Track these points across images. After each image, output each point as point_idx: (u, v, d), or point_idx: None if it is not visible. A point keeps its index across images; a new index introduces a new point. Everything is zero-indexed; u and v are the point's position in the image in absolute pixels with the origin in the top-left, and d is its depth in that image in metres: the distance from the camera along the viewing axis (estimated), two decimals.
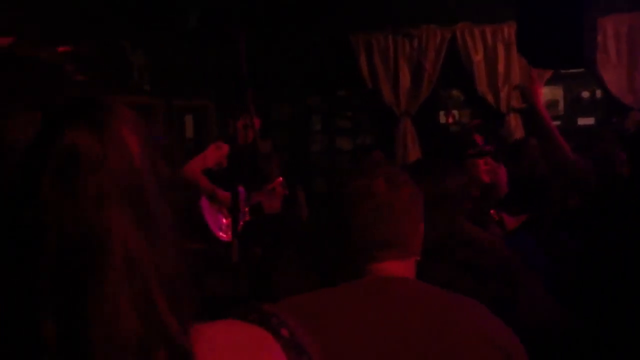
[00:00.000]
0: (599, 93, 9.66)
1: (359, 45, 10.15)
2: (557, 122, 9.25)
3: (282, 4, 9.54)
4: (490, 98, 9.70)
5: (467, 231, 3.03)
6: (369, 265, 1.97)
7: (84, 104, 0.81)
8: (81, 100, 0.82)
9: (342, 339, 1.75)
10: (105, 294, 0.77)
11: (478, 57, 9.74)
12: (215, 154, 6.81)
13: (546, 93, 9.65)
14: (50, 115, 0.79)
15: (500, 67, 9.65)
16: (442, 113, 10.28)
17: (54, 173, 0.77)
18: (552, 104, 9.69)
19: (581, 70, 8.61)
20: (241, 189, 6.45)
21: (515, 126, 9.55)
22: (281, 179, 7.00)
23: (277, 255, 7.10)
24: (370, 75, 10.13)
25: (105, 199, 0.78)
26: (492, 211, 4.22)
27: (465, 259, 2.82)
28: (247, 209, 6.65)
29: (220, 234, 6.74)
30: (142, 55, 9.05)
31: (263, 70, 9.20)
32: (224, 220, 6.79)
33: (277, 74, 10.06)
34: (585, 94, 9.77)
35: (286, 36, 10.01)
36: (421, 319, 1.83)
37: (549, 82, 9.35)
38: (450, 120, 10.21)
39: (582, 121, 9.71)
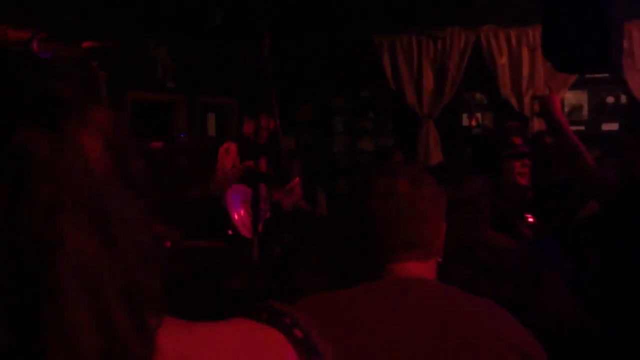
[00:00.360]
0: (623, 98, 9.60)
1: (382, 46, 10.14)
2: (581, 127, 9.22)
3: (307, 4, 9.54)
4: (513, 101, 9.66)
5: (486, 234, 3.01)
6: (390, 265, 1.96)
7: (44, 103, 0.77)
8: (43, 100, 0.77)
9: (358, 339, 1.74)
10: (58, 307, 0.74)
11: (502, 60, 9.70)
12: (227, 157, 6.84)
13: (570, 98, 9.64)
14: (9, 114, 0.75)
15: (525, 71, 9.60)
16: (464, 116, 10.23)
17: (1, 177, 0.73)
18: (576, 109, 9.66)
19: (606, 75, 8.56)
20: (263, 186, 6.47)
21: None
22: (298, 179, 7.02)
23: (296, 254, 7.12)
24: (393, 76, 10.11)
25: (56, 205, 0.74)
26: (527, 215, 4.18)
27: (484, 261, 2.80)
28: (268, 207, 6.65)
29: (243, 230, 6.74)
30: (166, 53, 9.07)
31: (287, 70, 9.21)
32: (247, 218, 6.80)
33: (300, 75, 10.06)
34: (610, 99, 9.71)
35: (310, 36, 10.01)
36: (440, 320, 1.82)
37: (573, 87, 9.32)
38: (474, 123, 10.17)
39: (607, 127, 9.65)
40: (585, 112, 9.77)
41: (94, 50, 5.33)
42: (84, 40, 5.28)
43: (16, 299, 0.73)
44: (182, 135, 8.91)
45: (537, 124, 9.49)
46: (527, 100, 9.59)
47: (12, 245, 0.73)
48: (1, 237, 0.73)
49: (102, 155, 0.78)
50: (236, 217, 6.71)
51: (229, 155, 6.84)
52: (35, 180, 0.73)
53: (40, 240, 0.73)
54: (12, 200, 0.73)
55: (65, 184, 0.74)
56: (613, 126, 9.63)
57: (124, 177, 0.81)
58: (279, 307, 1.02)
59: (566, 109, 9.39)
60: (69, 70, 0.81)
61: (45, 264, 0.73)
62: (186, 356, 0.90)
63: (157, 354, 0.85)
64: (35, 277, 0.73)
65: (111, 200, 0.78)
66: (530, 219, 4.18)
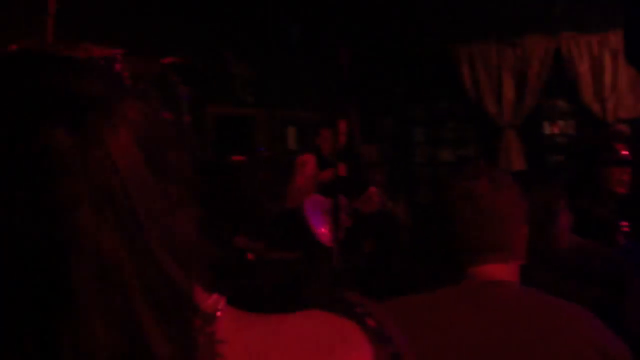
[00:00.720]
0: None
1: (460, 55, 10.06)
2: None
3: (384, 16, 9.53)
4: (595, 108, 9.49)
5: (571, 238, 2.96)
6: (472, 268, 1.94)
7: (68, 101, 0.77)
8: (67, 97, 0.77)
9: (435, 338, 1.73)
10: (73, 306, 0.73)
11: (583, 67, 9.55)
12: (304, 169, 6.85)
13: None
14: (33, 112, 0.76)
15: (607, 77, 9.43)
16: (546, 123, 10.10)
17: (25, 173, 0.74)
18: None
19: None
20: (342, 196, 6.52)
21: None
22: (374, 188, 7.01)
23: (377, 261, 7.12)
24: (473, 86, 10.03)
25: (75, 202, 0.74)
26: (623, 222, 4.08)
27: (569, 264, 2.75)
28: (347, 216, 6.68)
29: (323, 239, 6.76)
30: (246, 67, 9.14)
31: (366, 83, 9.21)
32: (327, 227, 6.82)
33: (379, 87, 10.05)
34: None
35: (388, 47, 9.99)
36: (523, 324, 1.79)
37: None
38: (556, 130, 10.03)
39: None
40: None
41: (175, 66, 5.40)
42: (165, 57, 5.35)
43: (31, 297, 0.73)
44: (262, 149, 8.96)
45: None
46: (609, 106, 9.41)
47: (29, 242, 0.73)
48: (19, 233, 0.73)
49: (130, 150, 0.78)
50: (316, 227, 6.73)
51: (305, 167, 6.84)
52: (55, 176, 0.74)
53: (57, 237, 0.73)
54: (32, 197, 0.73)
55: (86, 181, 0.74)
56: None
57: (158, 171, 0.80)
58: (352, 298, 1.00)
59: None
60: (96, 67, 0.82)
61: (60, 261, 0.73)
62: (256, 347, 0.89)
63: (225, 346, 0.86)
64: (53, 274, 0.73)
65: (140, 196, 0.77)
66: (626, 227, 4.08)
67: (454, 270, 1.98)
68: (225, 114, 8.98)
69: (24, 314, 0.73)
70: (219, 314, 0.89)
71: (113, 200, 0.75)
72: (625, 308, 2.65)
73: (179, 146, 0.86)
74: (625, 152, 4.11)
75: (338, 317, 0.96)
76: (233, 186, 8.25)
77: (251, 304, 0.92)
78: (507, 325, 1.79)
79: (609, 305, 2.54)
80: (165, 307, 0.78)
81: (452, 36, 9.94)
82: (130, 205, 0.76)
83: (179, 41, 7.31)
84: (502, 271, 1.95)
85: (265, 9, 8.79)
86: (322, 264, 6.28)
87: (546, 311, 1.85)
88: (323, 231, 6.73)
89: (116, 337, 0.74)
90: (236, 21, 8.70)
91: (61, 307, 0.73)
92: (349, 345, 0.93)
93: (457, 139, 10.65)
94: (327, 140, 6.86)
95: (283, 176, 6.96)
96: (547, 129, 10.12)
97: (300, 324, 0.94)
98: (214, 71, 8.40)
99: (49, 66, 0.81)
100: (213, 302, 0.90)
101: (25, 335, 0.73)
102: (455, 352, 1.74)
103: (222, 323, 0.88)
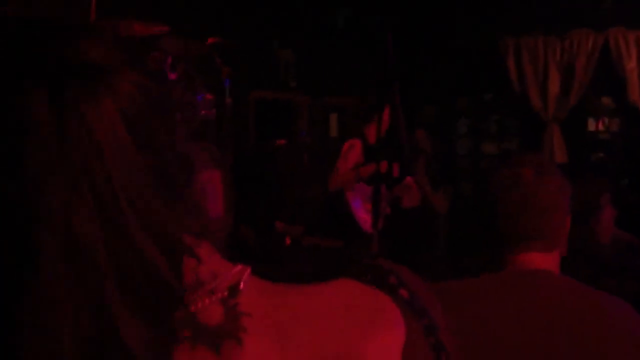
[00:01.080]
0: None
1: (507, 47, 9.97)
2: None
3: (431, 5, 9.48)
4: None
5: (613, 231, 2.94)
6: (514, 256, 1.93)
7: (49, 68, 0.73)
8: (55, 66, 0.73)
9: (473, 322, 1.71)
10: (41, 280, 0.70)
11: (631, 64, 9.41)
12: (351, 153, 6.83)
13: None
14: (9, 77, 0.72)
15: None
16: (591, 120, 9.99)
17: (1, 139, 0.70)
18: None
19: None
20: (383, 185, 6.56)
21: None
22: (410, 178, 7.01)
23: (412, 249, 7.15)
24: (518, 79, 9.93)
25: (49, 176, 0.70)
26: None
27: (608, 257, 2.73)
28: (387, 204, 6.70)
29: (363, 225, 6.79)
30: (290, 52, 9.14)
31: (410, 71, 9.18)
32: (367, 214, 6.85)
33: (424, 76, 10.00)
34: None
35: (434, 37, 9.93)
36: (564, 314, 1.78)
37: None
38: (600, 127, 9.93)
39: None
40: None
41: (218, 46, 5.39)
42: (209, 37, 5.34)
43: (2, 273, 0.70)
44: (303, 134, 8.96)
45: None
46: None
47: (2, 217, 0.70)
48: None
49: (113, 125, 0.73)
50: (357, 213, 6.75)
51: (352, 151, 6.83)
52: (28, 147, 0.70)
53: (27, 211, 0.70)
54: (2, 166, 0.70)
55: (61, 155, 0.71)
56: None
57: (147, 151, 0.75)
58: (386, 265, 0.96)
59: None
60: (98, 39, 0.77)
61: (28, 235, 0.70)
62: (282, 319, 0.86)
63: (249, 319, 0.83)
64: (17, 249, 0.70)
65: (120, 176, 0.72)
66: None
67: (493, 257, 1.97)
68: (267, 98, 8.99)
69: None
70: (242, 285, 0.86)
71: (90, 178, 0.71)
72: None
73: (177, 125, 0.82)
74: None
75: (370, 287, 0.92)
76: (273, 170, 8.28)
77: None
78: (548, 316, 1.77)
79: None
80: (140, 293, 0.74)
81: (500, 28, 9.86)
82: (108, 183, 0.72)
83: (223, 22, 7.32)
84: (544, 260, 1.94)
85: None
86: (361, 250, 6.31)
87: (588, 304, 1.83)
88: (363, 217, 6.76)
89: (83, 318, 0.71)
90: (282, 4, 8.70)
91: (26, 282, 0.70)
92: (380, 318, 0.90)
93: (500, 132, 10.57)
94: (373, 128, 6.86)
95: (324, 162, 6.96)
96: (591, 125, 10.01)
97: (329, 296, 0.90)
98: (258, 54, 8.40)
99: (33, 30, 0.77)
100: (237, 273, 0.87)
101: None
102: (494, 339, 1.72)
103: (248, 295, 0.85)
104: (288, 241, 5.70)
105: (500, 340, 1.71)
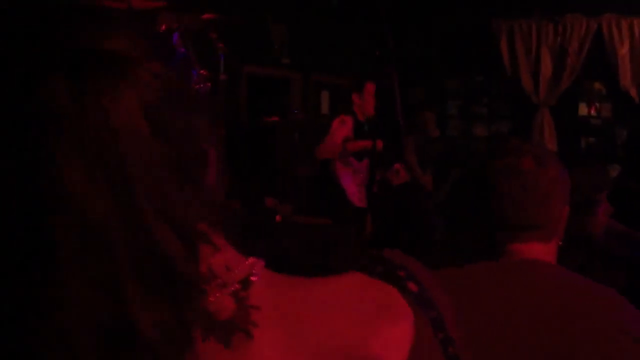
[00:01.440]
0: None
1: (500, 30, 9.97)
2: None
3: None
4: (633, 92, 9.38)
5: (608, 221, 2.95)
6: (510, 245, 1.92)
7: (76, 56, 0.73)
8: (76, 52, 0.73)
9: (477, 310, 1.72)
10: (56, 263, 0.70)
11: (623, 50, 9.43)
12: (341, 128, 6.85)
13: None
14: (34, 62, 0.72)
15: None
16: (582, 105, 10.01)
17: (16, 124, 0.70)
18: None
19: None
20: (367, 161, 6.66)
21: None
22: (398, 165, 7.10)
23: (400, 231, 7.19)
24: (510, 61, 9.94)
25: (66, 160, 0.70)
26: None
27: (601, 247, 2.74)
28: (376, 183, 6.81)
29: (352, 198, 6.84)
30: (284, 29, 9.11)
31: (401, 51, 9.16)
32: (356, 188, 6.90)
33: (414, 56, 9.98)
34: None
35: (427, 17, 9.92)
36: (560, 305, 1.78)
37: None
38: (592, 112, 9.95)
39: None
40: None
41: (213, 22, 5.37)
42: (204, 12, 5.32)
43: (13, 250, 0.70)
44: (295, 112, 8.95)
45: None
46: None
47: (14, 194, 0.70)
48: (4, 184, 0.70)
49: (133, 115, 0.73)
50: (347, 186, 6.80)
51: (343, 126, 6.85)
52: (47, 130, 0.70)
53: (43, 194, 0.70)
54: (20, 150, 0.70)
55: (79, 140, 0.70)
56: None
57: (166, 141, 0.75)
58: (395, 258, 0.96)
59: None
60: (118, 25, 0.77)
61: (46, 227, 0.70)
62: (292, 313, 0.86)
63: (259, 312, 0.83)
64: (32, 232, 0.70)
65: (137, 164, 0.72)
66: None
67: (489, 245, 1.96)
68: (260, 74, 8.97)
69: (2, 267, 0.70)
70: (254, 278, 0.85)
71: (106, 165, 0.71)
72: None
73: (199, 113, 0.81)
74: None
75: (378, 281, 0.92)
76: (265, 146, 8.28)
77: (276, 266, 0.89)
78: (545, 307, 1.78)
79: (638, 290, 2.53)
80: (157, 283, 0.73)
81: (493, 9, 9.85)
82: (124, 171, 0.72)
83: None
84: (541, 250, 1.93)
85: None
86: (350, 228, 6.34)
87: (584, 296, 1.83)
88: (352, 190, 6.81)
89: (99, 309, 0.70)
90: None
91: (42, 272, 0.70)
92: (389, 312, 0.90)
93: (490, 114, 10.58)
94: (361, 105, 6.89)
95: (315, 139, 6.96)
96: (583, 110, 10.03)
97: (339, 289, 0.90)
98: (252, 30, 8.36)
99: (58, 13, 0.76)
100: (248, 266, 0.86)
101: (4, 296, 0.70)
102: (497, 329, 1.72)
103: (258, 287, 0.85)
104: (278, 218, 5.72)
105: (502, 329, 1.72)
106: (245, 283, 0.84)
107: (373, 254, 0.97)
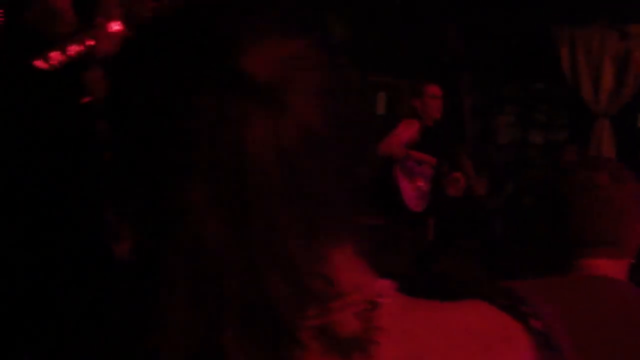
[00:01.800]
0: None
1: (562, 37, 9.84)
2: None
3: None
4: None
5: None
6: (579, 260, 1.89)
7: (220, 79, 0.72)
8: (224, 78, 0.72)
9: (590, 335, 1.67)
10: (161, 300, 0.69)
11: None
12: (408, 131, 6.87)
13: None
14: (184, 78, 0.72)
15: None
16: None
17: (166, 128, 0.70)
18: None
19: None
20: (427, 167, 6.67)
21: None
22: (459, 174, 7.12)
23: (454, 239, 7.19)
24: (571, 70, 9.80)
25: (195, 181, 0.70)
26: None
27: None
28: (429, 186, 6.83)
29: (412, 205, 6.85)
30: (341, 28, 9.11)
31: (460, 56, 9.12)
32: (414, 193, 6.92)
33: (473, 61, 9.93)
34: None
35: (488, 22, 9.84)
36: (630, 323, 1.74)
37: None
38: None
39: None
40: None
41: None
42: None
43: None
44: None
45: None
46: None
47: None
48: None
49: (265, 153, 0.71)
50: (404, 191, 6.81)
51: (410, 128, 6.87)
52: (183, 144, 0.70)
53: (163, 205, 0.70)
54: (155, 156, 0.71)
55: (209, 165, 0.70)
56: None
57: (297, 189, 0.73)
58: (519, 292, 0.93)
59: None
60: (273, 52, 0.76)
61: (157, 249, 0.70)
62: (416, 336, 0.83)
63: (383, 333, 0.80)
64: (144, 266, 0.71)
65: (262, 206, 0.71)
66: None
67: (557, 259, 1.93)
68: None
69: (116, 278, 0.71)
70: (383, 299, 0.83)
71: (231, 199, 0.70)
72: None
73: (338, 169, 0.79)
74: None
75: (502, 313, 0.89)
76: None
77: (407, 284, 0.87)
78: (613, 325, 1.73)
79: None
80: (257, 329, 0.72)
81: (555, 16, 9.73)
82: (246, 207, 0.70)
83: None
84: (611, 267, 1.89)
85: None
86: (406, 229, 6.35)
87: None
88: (409, 195, 6.81)
89: (194, 330, 0.70)
90: None
91: (148, 299, 0.70)
92: (512, 345, 0.87)
93: (549, 123, 10.50)
94: (423, 109, 6.91)
95: (370, 140, 6.97)
96: None
97: (463, 316, 0.87)
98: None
99: (207, 32, 0.76)
100: (380, 288, 0.84)
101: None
102: (609, 351, 1.68)
103: (386, 309, 0.82)
104: None
105: (607, 348, 1.68)
106: (374, 304, 0.82)
107: (496, 285, 0.95)
